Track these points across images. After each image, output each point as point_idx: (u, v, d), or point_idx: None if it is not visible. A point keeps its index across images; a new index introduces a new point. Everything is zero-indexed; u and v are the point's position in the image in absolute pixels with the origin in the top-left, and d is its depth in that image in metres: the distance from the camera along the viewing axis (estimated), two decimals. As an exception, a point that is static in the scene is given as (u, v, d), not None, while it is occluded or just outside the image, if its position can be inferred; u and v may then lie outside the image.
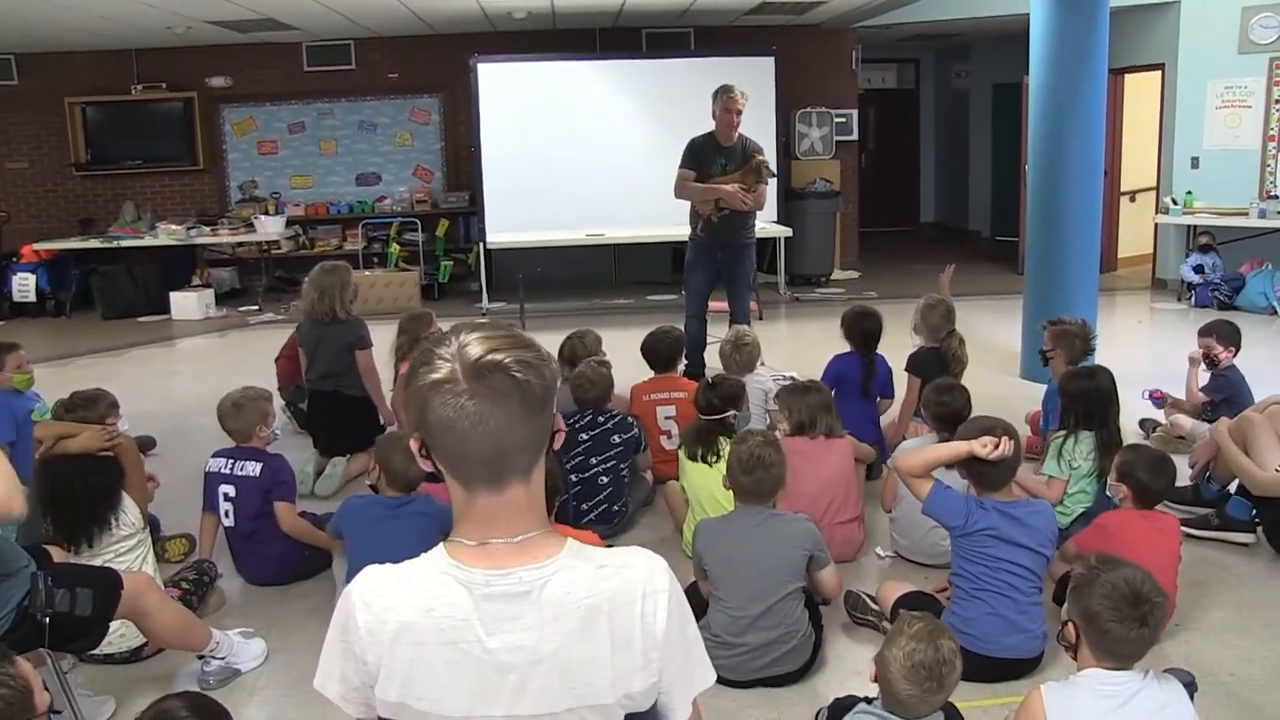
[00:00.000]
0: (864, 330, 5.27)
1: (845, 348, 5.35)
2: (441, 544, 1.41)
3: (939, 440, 4.11)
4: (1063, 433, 4.23)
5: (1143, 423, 5.72)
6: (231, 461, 4.18)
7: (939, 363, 5.09)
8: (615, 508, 4.54)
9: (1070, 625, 2.48)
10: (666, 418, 5.05)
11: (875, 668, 2.50)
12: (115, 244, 10.75)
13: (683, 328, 6.13)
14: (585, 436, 4.57)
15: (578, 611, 1.36)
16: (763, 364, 5.50)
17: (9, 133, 11.54)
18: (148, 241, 10.84)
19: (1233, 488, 4.45)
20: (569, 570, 1.38)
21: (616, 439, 4.58)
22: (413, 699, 1.37)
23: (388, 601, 1.38)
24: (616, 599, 1.38)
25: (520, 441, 1.34)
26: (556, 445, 1.42)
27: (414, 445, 1.39)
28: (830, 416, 4.26)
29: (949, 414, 4.16)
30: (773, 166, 6.56)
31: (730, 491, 3.52)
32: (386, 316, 9.51)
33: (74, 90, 11.35)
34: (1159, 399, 5.70)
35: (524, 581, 1.36)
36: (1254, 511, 4.24)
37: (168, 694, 2.33)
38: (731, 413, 4.31)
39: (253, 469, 4.14)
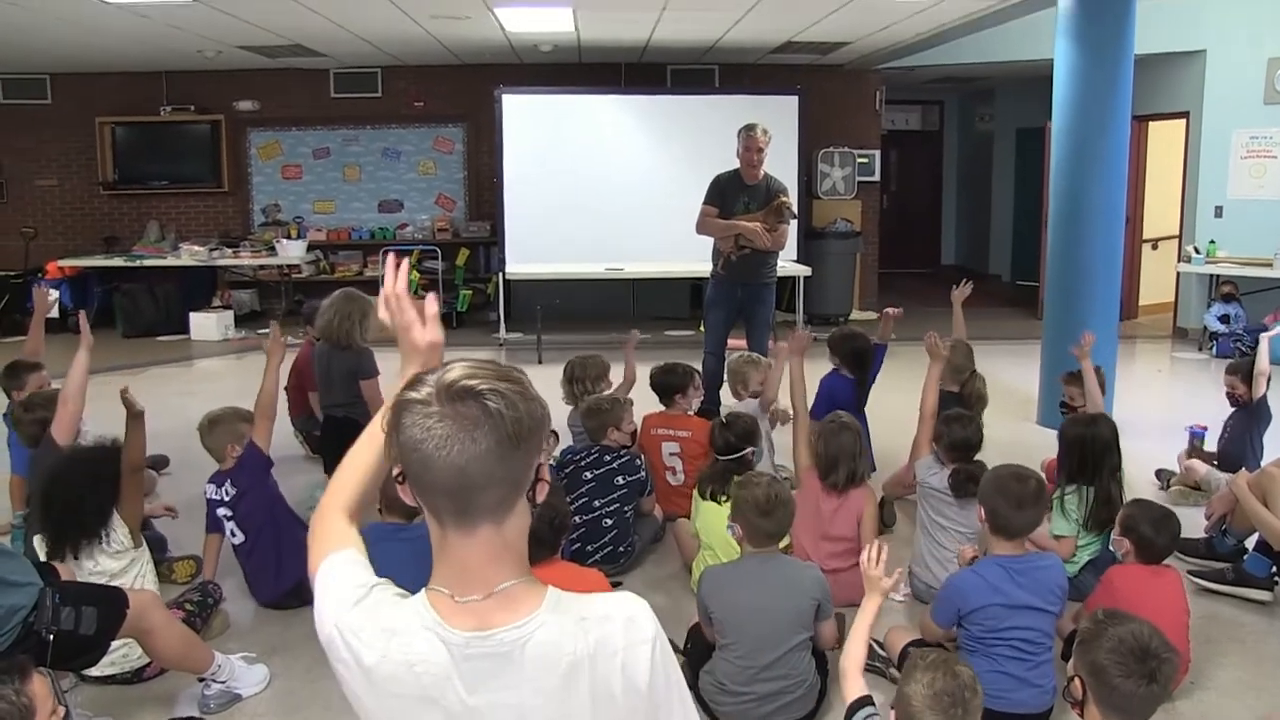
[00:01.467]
0: (854, 350, 5.41)
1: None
2: (424, 592, 1.39)
3: (950, 468, 4.09)
4: (1058, 490, 4.18)
5: (1159, 473, 5.65)
6: (217, 487, 4.19)
7: (957, 405, 5.03)
8: (621, 549, 4.48)
9: (1077, 681, 2.42)
10: (671, 454, 5.00)
11: (895, 711, 2.41)
12: (138, 263, 10.86)
13: (700, 365, 6.11)
14: (589, 476, 4.49)
15: (559, 669, 1.34)
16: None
17: (40, 150, 11.68)
18: (170, 261, 10.93)
19: (1250, 543, 4.38)
20: (549, 627, 1.35)
21: (621, 480, 4.49)
22: None
23: (376, 651, 1.36)
24: (597, 654, 1.36)
25: (487, 475, 1.30)
26: (539, 497, 1.39)
27: (395, 470, 1.37)
28: (855, 462, 4.15)
29: (959, 443, 4.14)
30: (795, 208, 6.56)
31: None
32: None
33: (104, 110, 11.50)
34: (1202, 430, 5.59)
35: (504, 644, 1.33)
36: (1274, 568, 4.17)
37: None
38: (749, 449, 4.28)
39: (230, 489, 4.15)
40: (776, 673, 3.19)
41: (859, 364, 5.39)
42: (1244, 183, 9.91)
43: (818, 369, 5.48)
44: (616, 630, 1.38)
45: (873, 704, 2.55)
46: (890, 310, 5.71)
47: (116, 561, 3.63)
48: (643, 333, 10.55)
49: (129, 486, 3.67)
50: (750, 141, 6.35)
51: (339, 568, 1.47)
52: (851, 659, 2.66)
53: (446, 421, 1.28)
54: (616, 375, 5.56)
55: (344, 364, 5.44)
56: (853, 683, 2.63)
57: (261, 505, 4.14)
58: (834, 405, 5.24)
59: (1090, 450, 4.17)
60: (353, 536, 1.54)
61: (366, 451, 1.61)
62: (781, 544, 3.74)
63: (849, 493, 4.14)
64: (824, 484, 4.15)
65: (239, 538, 4.18)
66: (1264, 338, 5.40)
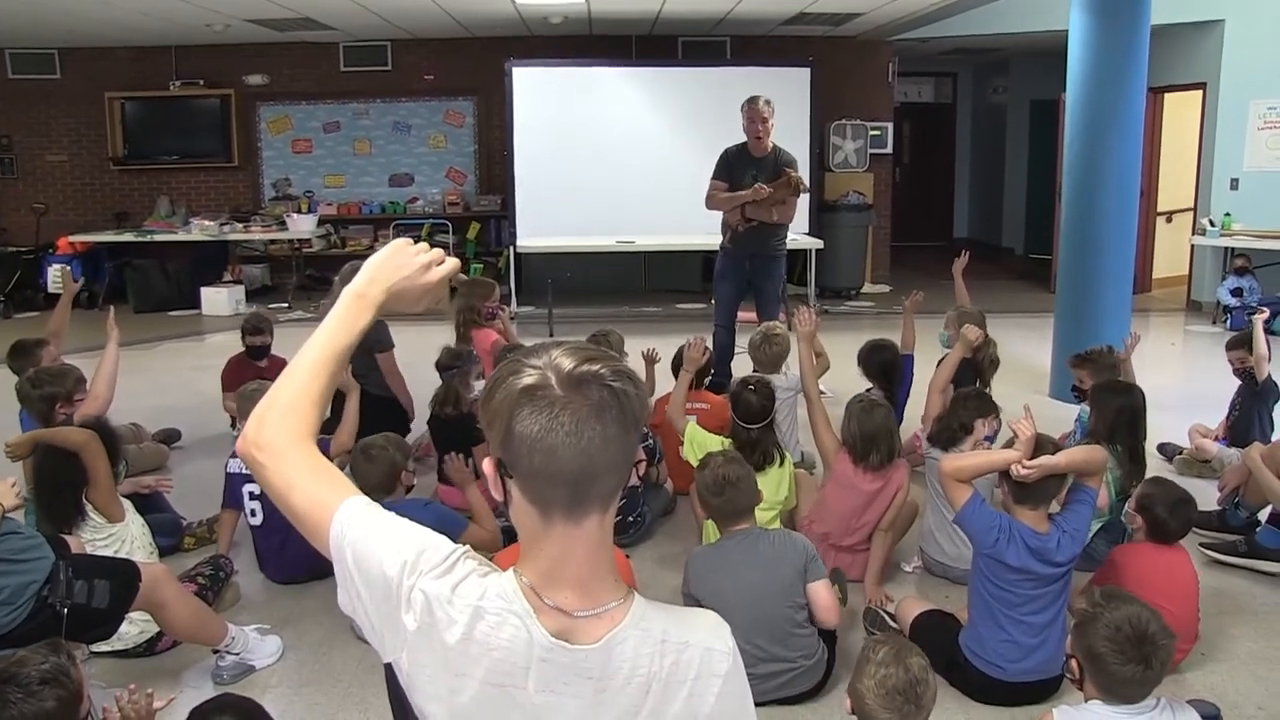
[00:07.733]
0: (881, 363, 5.21)
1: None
2: (514, 575, 1.33)
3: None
4: None
5: (1162, 447, 5.59)
6: None
7: (971, 373, 5.01)
8: (631, 519, 4.46)
9: (1074, 661, 2.46)
10: None
11: (850, 701, 2.42)
12: (149, 238, 10.87)
13: (710, 338, 6.08)
14: None
15: (629, 687, 1.31)
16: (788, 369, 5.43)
17: (50, 126, 11.68)
18: (181, 236, 10.95)
19: (1263, 515, 4.37)
20: (629, 643, 1.32)
21: None
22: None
23: (460, 627, 1.31)
24: (669, 680, 1.33)
25: (610, 461, 1.26)
26: (639, 474, 1.36)
27: (490, 468, 1.31)
28: (893, 439, 4.08)
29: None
30: (806, 181, 6.50)
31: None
32: (413, 317, 9.55)
33: (114, 85, 11.49)
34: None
35: (588, 660, 1.30)
36: (1286, 540, 4.16)
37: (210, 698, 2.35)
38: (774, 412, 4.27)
39: None
40: (773, 654, 3.17)
41: (886, 378, 5.18)
42: (1261, 154, 9.82)
43: (831, 344, 5.42)
44: (693, 660, 1.35)
45: None
46: (910, 301, 5.51)
47: (96, 534, 3.65)
48: (654, 305, 10.65)
49: (87, 468, 3.64)
50: (753, 113, 6.31)
51: (391, 519, 1.39)
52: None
53: (573, 409, 1.23)
54: (637, 350, 5.52)
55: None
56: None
57: None
58: None
59: (1125, 417, 4.18)
60: (347, 479, 1.48)
61: (325, 365, 1.50)
62: (770, 523, 3.75)
63: (888, 471, 4.06)
64: (862, 465, 4.04)
65: (258, 518, 4.14)
66: (1256, 321, 5.32)
